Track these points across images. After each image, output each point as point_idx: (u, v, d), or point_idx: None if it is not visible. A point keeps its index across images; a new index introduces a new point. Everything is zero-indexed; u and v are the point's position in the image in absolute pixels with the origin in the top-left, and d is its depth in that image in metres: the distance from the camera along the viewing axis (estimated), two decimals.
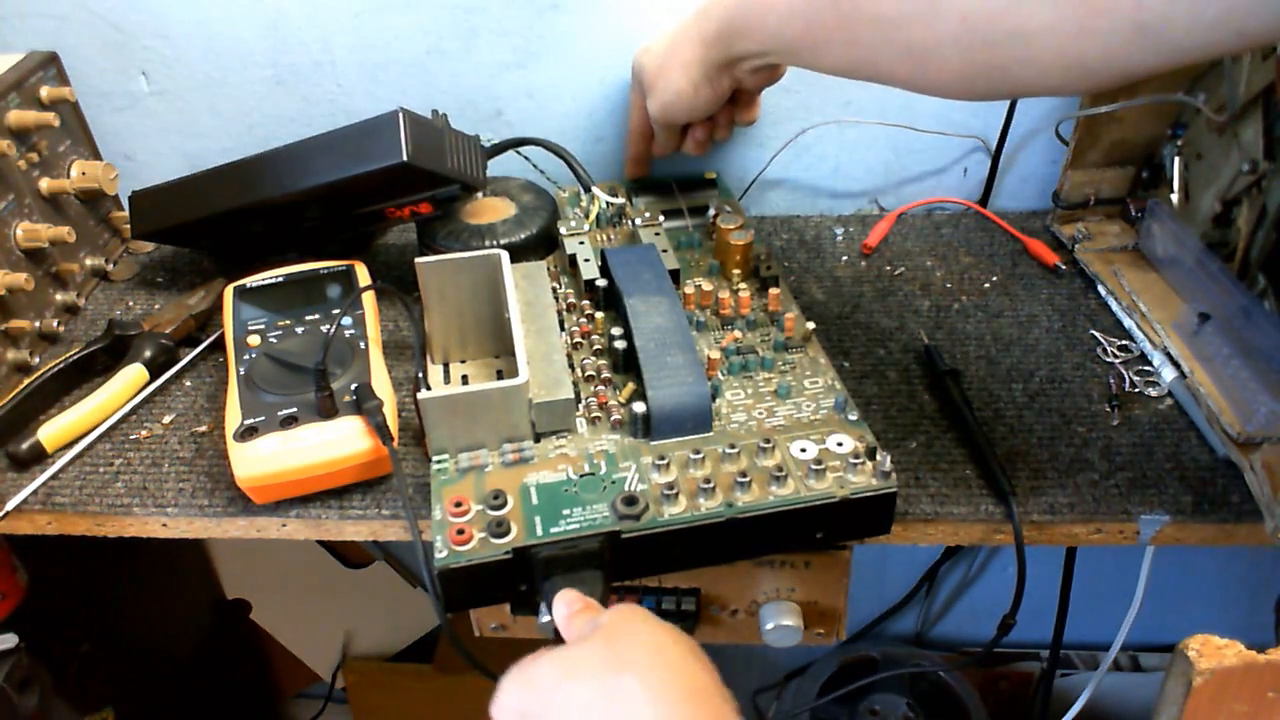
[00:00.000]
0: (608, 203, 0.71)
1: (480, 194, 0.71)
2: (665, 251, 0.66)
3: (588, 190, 0.71)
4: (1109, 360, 0.64)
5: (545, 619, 0.46)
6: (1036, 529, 0.54)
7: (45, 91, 0.69)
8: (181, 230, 0.71)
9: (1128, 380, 0.63)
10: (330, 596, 1.21)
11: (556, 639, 0.45)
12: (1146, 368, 0.63)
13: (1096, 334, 0.67)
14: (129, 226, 0.72)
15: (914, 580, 1.12)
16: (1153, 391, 0.62)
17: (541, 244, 0.69)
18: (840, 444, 0.51)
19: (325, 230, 0.69)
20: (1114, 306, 0.68)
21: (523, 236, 0.68)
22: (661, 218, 0.71)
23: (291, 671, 1.30)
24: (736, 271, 0.66)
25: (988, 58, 0.45)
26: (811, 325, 0.60)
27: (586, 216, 0.71)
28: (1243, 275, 0.63)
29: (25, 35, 0.75)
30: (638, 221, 0.70)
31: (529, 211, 0.70)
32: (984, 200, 0.82)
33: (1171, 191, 0.69)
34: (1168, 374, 0.61)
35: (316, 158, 0.64)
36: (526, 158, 0.74)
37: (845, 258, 0.76)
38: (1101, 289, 0.70)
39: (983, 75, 0.46)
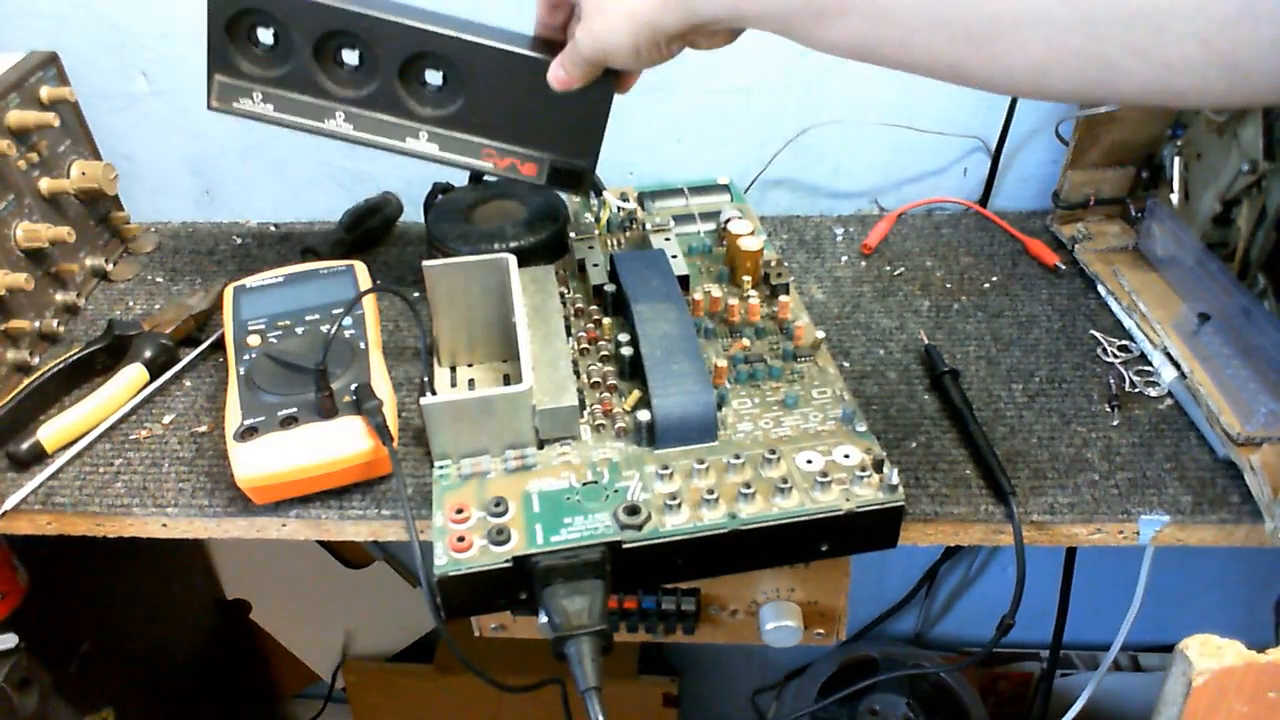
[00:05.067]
0: (619, 207, 0.71)
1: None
2: (675, 257, 0.66)
3: (599, 194, 0.71)
4: (1109, 360, 0.64)
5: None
6: (1036, 529, 0.54)
7: (45, 91, 0.69)
8: (268, 15, 0.58)
9: (1128, 380, 0.63)
10: (330, 596, 1.21)
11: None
12: (1146, 368, 0.63)
13: (1096, 334, 0.67)
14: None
15: (914, 580, 1.12)
16: (1153, 391, 0.62)
17: (552, 248, 0.69)
18: (847, 456, 0.51)
19: (411, 114, 0.60)
20: (1114, 306, 0.68)
21: (533, 240, 0.67)
22: (672, 222, 0.70)
23: (291, 671, 1.30)
24: (747, 278, 0.65)
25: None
26: (821, 334, 0.60)
27: (597, 221, 0.71)
28: (1243, 275, 0.63)
29: (25, 35, 0.75)
30: (649, 226, 0.70)
31: (540, 215, 0.70)
32: (984, 200, 0.82)
33: (1171, 191, 0.69)
34: (1168, 374, 0.61)
35: (493, 32, 0.58)
36: None
37: (845, 257, 0.76)
38: (1101, 289, 0.70)
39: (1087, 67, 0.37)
